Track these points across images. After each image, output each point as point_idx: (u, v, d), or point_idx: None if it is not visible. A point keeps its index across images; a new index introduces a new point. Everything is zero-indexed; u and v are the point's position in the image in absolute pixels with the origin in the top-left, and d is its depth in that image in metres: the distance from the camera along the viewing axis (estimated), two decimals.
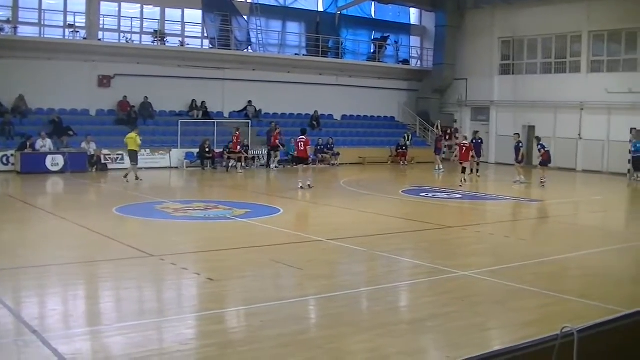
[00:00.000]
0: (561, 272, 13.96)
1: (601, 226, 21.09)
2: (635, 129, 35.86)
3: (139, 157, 29.81)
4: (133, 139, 29.19)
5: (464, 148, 30.99)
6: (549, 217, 23.29)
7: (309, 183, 27.28)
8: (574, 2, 40.14)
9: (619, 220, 23.37)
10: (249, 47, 42.12)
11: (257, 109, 40.85)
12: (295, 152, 29.64)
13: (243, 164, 35.76)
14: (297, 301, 10.97)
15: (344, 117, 45.41)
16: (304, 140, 27.81)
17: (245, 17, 41.44)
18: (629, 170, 35.32)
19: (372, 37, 48.59)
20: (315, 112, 42.72)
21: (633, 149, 34.62)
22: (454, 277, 12.74)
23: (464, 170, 30.82)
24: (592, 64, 40.40)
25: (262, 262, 14.00)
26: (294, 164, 29.57)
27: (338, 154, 39.35)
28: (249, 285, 12.11)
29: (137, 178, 28.77)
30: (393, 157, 42.79)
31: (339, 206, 23.67)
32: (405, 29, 49.86)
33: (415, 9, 49.72)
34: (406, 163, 41.65)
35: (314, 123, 42.17)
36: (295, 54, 44.29)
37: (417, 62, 50.02)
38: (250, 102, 40.52)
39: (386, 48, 48.52)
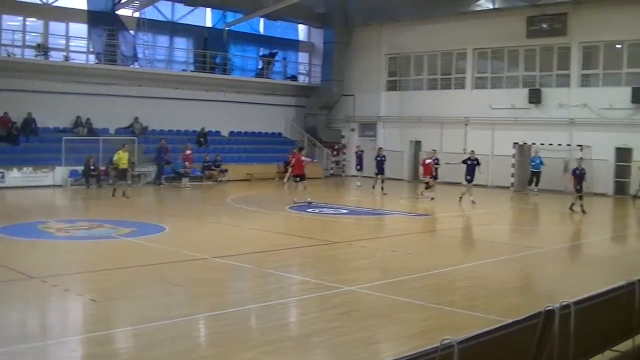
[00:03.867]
0: (447, 284, 14.21)
1: (486, 239, 21.57)
2: (517, 143, 37.04)
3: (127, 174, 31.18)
4: (122, 157, 29.98)
5: (427, 165, 32.76)
6: (435, 230, 23.73)
7: (308, 199, 28.70)
8: (458, 21, 41.26)
9: (503, 232, 23.92)
10: (136, 63, 41.51)
11: (144, 126, 40.22)
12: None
13: (129, 181, 35.30)
14: (184, 320, 10.79)
15: (231, 133, 45.15)
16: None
17: (132, 31, 40.87)
18: (512, 184, 36.49)
19: (260, 54, 48.68)
20: (202, 128, 42.30)
21: (532, 164, 35.69)
22: (340, 292, 12.81)
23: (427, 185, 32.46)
24: (476, 80, 41.56)
25: (148, 281, 13.81)
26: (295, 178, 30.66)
27: (226, 170, 39.06)
28: (134, 305, 11.89)
29: (123, 194, 29.35)
30: (281, 174, 42.76)
31: (225, 223, 23.59)
32: (294, 45, 50.14)
33: (304, 26, 50.06)
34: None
35: (202, 140, 41.83)
36: (183, 70, 43.94)
37: (305, 78, 50.33)
38: (136, 118, 39.81)
39: (274, 64, 48.75)
